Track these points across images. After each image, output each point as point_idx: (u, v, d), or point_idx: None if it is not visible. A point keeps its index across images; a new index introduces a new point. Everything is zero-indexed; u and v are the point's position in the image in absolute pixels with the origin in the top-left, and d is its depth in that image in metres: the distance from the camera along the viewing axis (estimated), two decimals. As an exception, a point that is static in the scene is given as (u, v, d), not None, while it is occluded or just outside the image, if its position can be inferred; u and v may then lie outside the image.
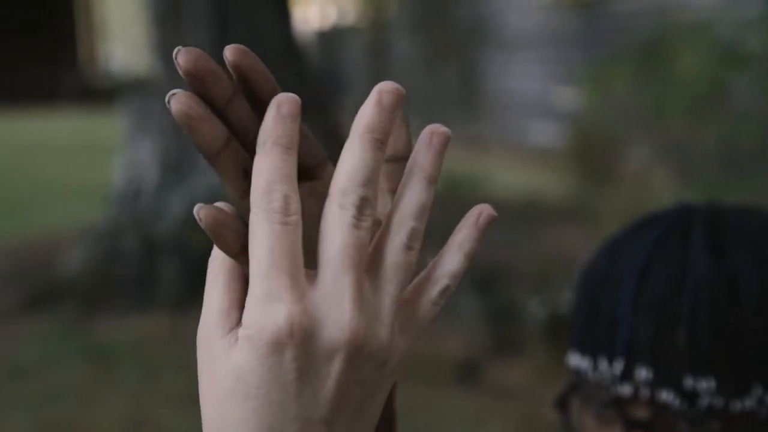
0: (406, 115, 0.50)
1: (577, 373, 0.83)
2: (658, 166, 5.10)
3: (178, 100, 0.42)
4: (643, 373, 0.77)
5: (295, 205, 0.41)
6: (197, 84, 0.43)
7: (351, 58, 12.07)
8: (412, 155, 0.44)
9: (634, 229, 0.84)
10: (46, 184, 8.58)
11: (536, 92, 8.99)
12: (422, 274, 0.45)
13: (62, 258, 4.92)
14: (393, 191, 0.50)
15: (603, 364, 0.80)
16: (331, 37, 12.70)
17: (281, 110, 0.42)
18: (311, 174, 0.47)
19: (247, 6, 4.95)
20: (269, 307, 0.40)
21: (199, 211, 0.43)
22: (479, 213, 0.45)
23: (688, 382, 0.76)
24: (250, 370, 0.40)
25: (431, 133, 0.44)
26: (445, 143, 0.45)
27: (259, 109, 0.44)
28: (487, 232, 0.45)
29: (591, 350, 0.82)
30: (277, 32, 5.07)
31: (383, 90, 0.43)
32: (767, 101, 4.06)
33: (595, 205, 5.48)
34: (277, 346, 0.40)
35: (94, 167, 8.03)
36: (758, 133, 3.82)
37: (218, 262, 0.44)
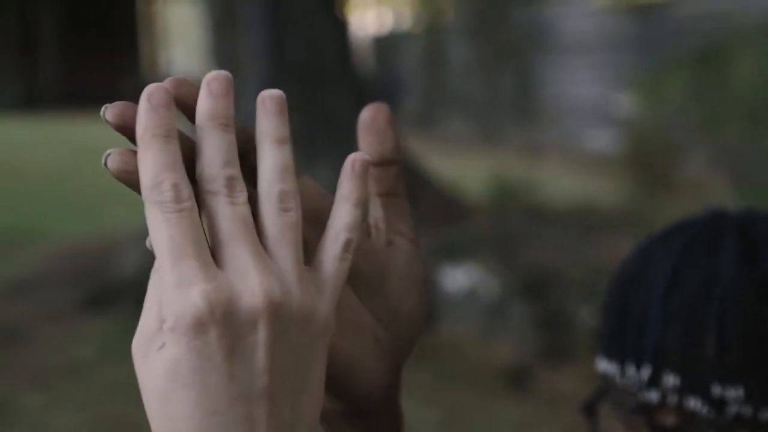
0: (393, 118, 0.52)
1: (605, 378, 0.83)
2: (715, 174, 5.02)
3: (113, 160, 0.43)
4: (670, 379, 0.77)
5: (186, 190, 0.42)
6: (130, 134, 0.44)
7: (407, 64, 12.07)
8: None
9: (665, 235, 0.84)
10: (106, 186, 8.71)
11: (592, 97, 8.91)
12: (323, 235, 0.46)
13: (119, 259, 5.01)
14: (382, 195, 0.52)
15: (631, 370, 0.80)
16: (387, 43, 12.73)
17: (151, 101, 0.43)
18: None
19: (301, 11, 4.99)
20: (183, 292, 0.41)
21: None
22: (352, 161, 0.46)
23: (716, 389, 0.76)
24: (180, 360, 0.41)
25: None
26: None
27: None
28: (366, 177, 0.46)
29: (619, 355, 0.82)
30: (332, 38, 5.10)
31: (210, 79, 0.45)
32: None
33: (651, 213, 5.42)
34: (200, 328, 0.40)
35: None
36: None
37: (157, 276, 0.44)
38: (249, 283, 0.42)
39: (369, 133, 0.51)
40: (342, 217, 0.46)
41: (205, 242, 0.42)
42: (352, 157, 0.46)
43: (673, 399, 0.77)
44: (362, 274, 0.50)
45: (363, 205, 0.46)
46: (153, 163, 0.42)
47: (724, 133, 4.42)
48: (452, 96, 10.73)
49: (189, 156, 0.44)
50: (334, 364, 0.48)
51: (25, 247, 6.29)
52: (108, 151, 0.44)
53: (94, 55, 15.69)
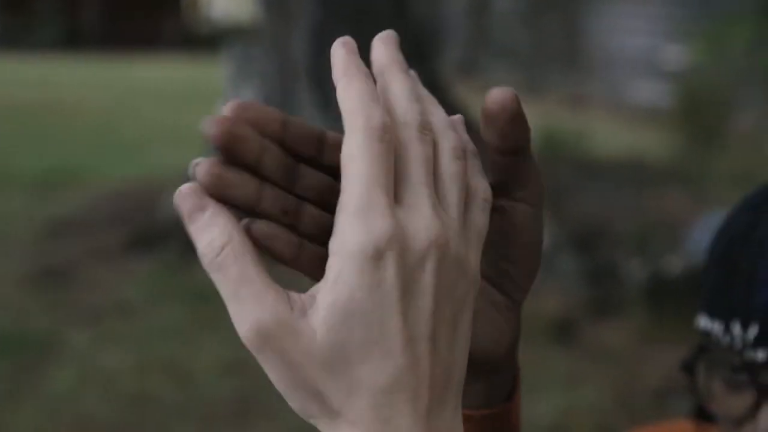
0: (520, 102, 0.48)
1: (707, 336, 0.81)
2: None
3: (204, 172, 0.43)
4: None
5: (390, 126, 0.43)
6: (228, 153, 0.43)
7: (453, 11, 11.97)
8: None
9: None
10: (151, 129, 8.78)
11: (642, 49, 8.77)
12: (467, 189, 0.46)
13: (164, 201, 5.04)
14: (508, 182, 0.51)
15: (736, 328, 0.78)
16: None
17: (347, 47, 0.45)
18: (312, 157, 0.47)
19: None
20: (369, 221, 0.41)
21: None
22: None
23: None
24: (355, 288, 0.40)
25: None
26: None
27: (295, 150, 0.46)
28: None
29: (724, 313, 0.79)
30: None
31: (381, 35, 0.47)
32: None
33: (701, 167, 5.35)
34: (379, 261, 0.40)
35: (197, 113, 8.17)
36: None
37: (234, 249, 0.42)
38: (423, 224, 0.42)
39: (498, 125, 0.47)
40: (477, 172, 0.46)
41: (393, 178, 0.42)
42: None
43: None
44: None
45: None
46: (361, 92, 0.43)
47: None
48: (497, 44, 10.62)
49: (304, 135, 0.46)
50: None
51: (71, 188, 6.36)
52: (196, 161, 0.43)
53: (136, -3, 15.71)
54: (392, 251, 0.41)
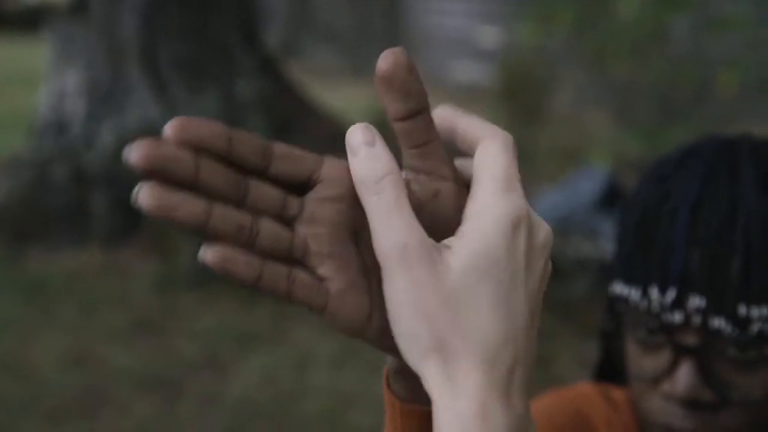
0: (413, 63, 0.48)
1: (624, 301, 0.85)
2: (591, 108, 5.17)
3: (147, 196, 0.43)
4: (696, 301, 0.80)
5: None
6: (159, 176, 0.43)
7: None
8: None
9: (682, 159, 0.85)
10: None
11: (461, 29, 8.98)
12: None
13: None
14: (416, 147, 0.50)
15: (654, 293, 0.82)
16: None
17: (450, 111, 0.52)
18: (308, 185, 0.48)
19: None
20: (512, 198, 0.46)
21: (205, 253, 0.44)
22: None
23: (742, 310, 0.79)
24: (493, 246, 0.45)
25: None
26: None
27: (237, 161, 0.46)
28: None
29: (642, 279, 0.83)
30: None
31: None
32: (705, 45, 4.14)
33: (524, 145, 5.54)
34: (517, 230, 0.46)
35: (18, 96, 7.77)
36: (695, 76, 3.89)
37: (394, 179, 0.45)
38: (540, 221, 0.48)
39: (391, 88, 0.47)
40: None
41: None
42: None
43: (697, 319, 0.80)
44: None
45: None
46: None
47: (605, 68, 4.55)
48: (319, 27, 10.61)
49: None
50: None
51: None
52: (137, 187, 0.43)
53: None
54: (525, 227, 0.46)
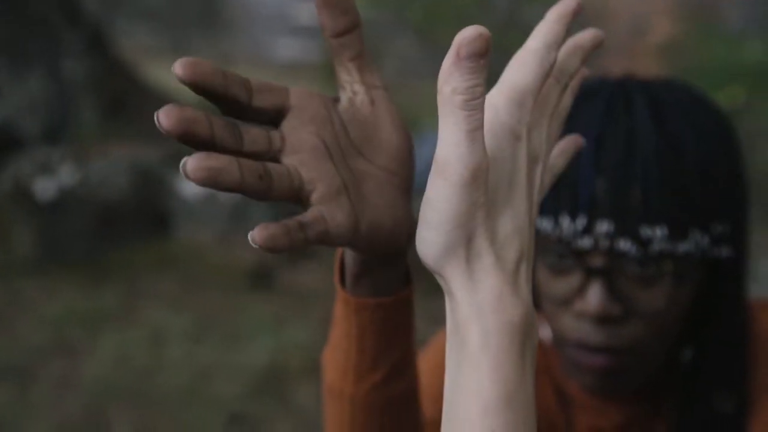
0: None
1: (535, 231, 0.91)
2: (417, 78, 5.26)
3: (196, 167, 0.43)
4: (604, 226, 0.86)
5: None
6: (186, 138, 0.44)
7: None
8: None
9: (583, 99, 0.91)
10: None
11: (278, 6, 8.93)
12: None
13: None
14: (354, 59, 0.53)
15: (565, 221, 0.88)
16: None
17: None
18: (281, 115, 0.50)
19: None
20: (520, 110, 0.50)
21: (253, 235, 0.45)
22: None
23: (645, 231, 0.86)
24: (500, 156, 0.49)
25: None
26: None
27: (236, 107, 0.48)
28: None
29: (552, 209, 0.89)
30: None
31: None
32: (523, 12, 4.27)
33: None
34: (518, 142, 0.50)
35: None
36: (519, 42, 4.01)
37: (484, 102, 0.46)
38: (539, 141, 0.52)
39: (331, 5, 0.51)
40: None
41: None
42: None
43: (605, 243, 0.86)
44: (363, 142, 0.54)
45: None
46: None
47: (434, 35, 4.63)
48: (134, 6, 10.29)
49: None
50: (374, 221, 0.53)
51: None
52: (183, 160, 0.43)
53: None
54: (525, 141, 0.49)
